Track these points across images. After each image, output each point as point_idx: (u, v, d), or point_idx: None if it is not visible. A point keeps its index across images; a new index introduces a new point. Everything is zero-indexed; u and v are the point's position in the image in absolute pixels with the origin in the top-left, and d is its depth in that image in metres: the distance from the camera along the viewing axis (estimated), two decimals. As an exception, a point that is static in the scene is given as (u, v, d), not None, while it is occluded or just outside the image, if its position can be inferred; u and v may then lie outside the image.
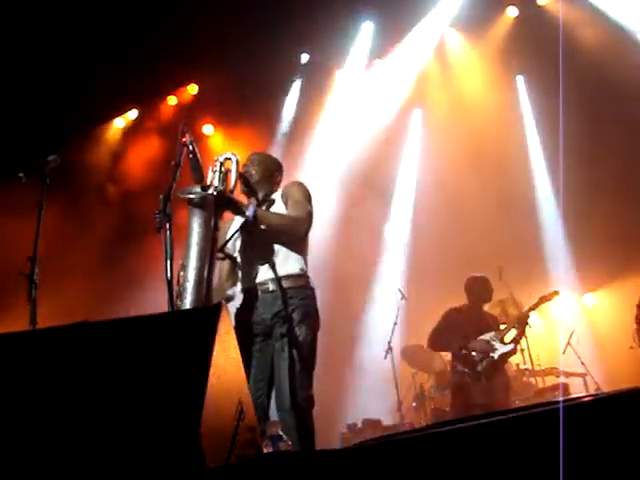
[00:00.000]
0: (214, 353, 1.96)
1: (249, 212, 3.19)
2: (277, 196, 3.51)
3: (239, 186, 3.42)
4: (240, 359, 2.35)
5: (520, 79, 8.71)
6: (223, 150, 3.46)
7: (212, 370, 1.91)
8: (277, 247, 3.37)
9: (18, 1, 6.55)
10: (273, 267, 3.32)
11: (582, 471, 1.56)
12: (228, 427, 2.03)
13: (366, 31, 8.44)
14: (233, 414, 2.08)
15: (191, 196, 3.07)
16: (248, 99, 8.03)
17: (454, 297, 5.99)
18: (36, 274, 3.43)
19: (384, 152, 8.59)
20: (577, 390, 6.20)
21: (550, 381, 6.52)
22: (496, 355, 5.49)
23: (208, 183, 3.24)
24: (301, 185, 3.52)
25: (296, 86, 8.81)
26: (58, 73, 7.04)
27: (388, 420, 6.59)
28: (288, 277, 3.33)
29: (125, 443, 1.80)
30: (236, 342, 2.30)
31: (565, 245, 8.06)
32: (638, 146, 7.23)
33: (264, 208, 3.43)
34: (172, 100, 8.56)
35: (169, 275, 2.83)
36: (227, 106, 8.27)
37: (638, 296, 5.40)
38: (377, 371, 7.08)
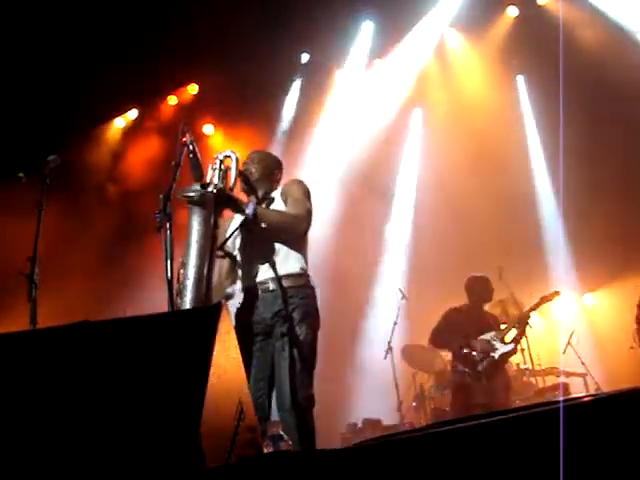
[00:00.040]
0: (214, 353, 1.95)
1: (249, 210, 3.18)
2: (277, 194, 3.51)
3: (239, 184, 3.41)
4: (240, 359, 2.34)
5: (520, 79, 8.71)
6: (223, 150, 3.45)
7: (212, 370, 1.91)
8: (277, 246, 3.36)
9: (19, 1, 6.55)
10: (273, 266, 3.32)
11: (582, 471, 1.56)
12: (228, 427, 2.03)
13: (366, 31, 8.44)
14: (233, 414, 2.08)
15: (191, 194, 3.07)
16: (248, 99, 8.02)
17: (454, 297, 5.99)
18: (36, 274, 3.43)
19: (384, 152, 8.59)
20: (577, 390, 6.20)
21: (550, 381, 6.52)
22: (497, 355, 5.49)
23: (208, 181, 3.23)
24: (301, 183, 3.52)
25: (296, 86, 8.80)
26: (58, 73, 7.04)
27: (388, 420, 6.57)
28: (288, 276, 3.33)
29: (125, 443, 1.80)
30: (236, 342, 2.30)
31: (565, 245, 8.06)
32: (638, 146, 7.22)
33: (264, 206, 3.42)
34: (172, 100, 8.56)
35: (169, 275, 2.83)
36: (227, 106, 8.27)
37: (638, 296, 5.40)
38: (377, 371, 7.07)
